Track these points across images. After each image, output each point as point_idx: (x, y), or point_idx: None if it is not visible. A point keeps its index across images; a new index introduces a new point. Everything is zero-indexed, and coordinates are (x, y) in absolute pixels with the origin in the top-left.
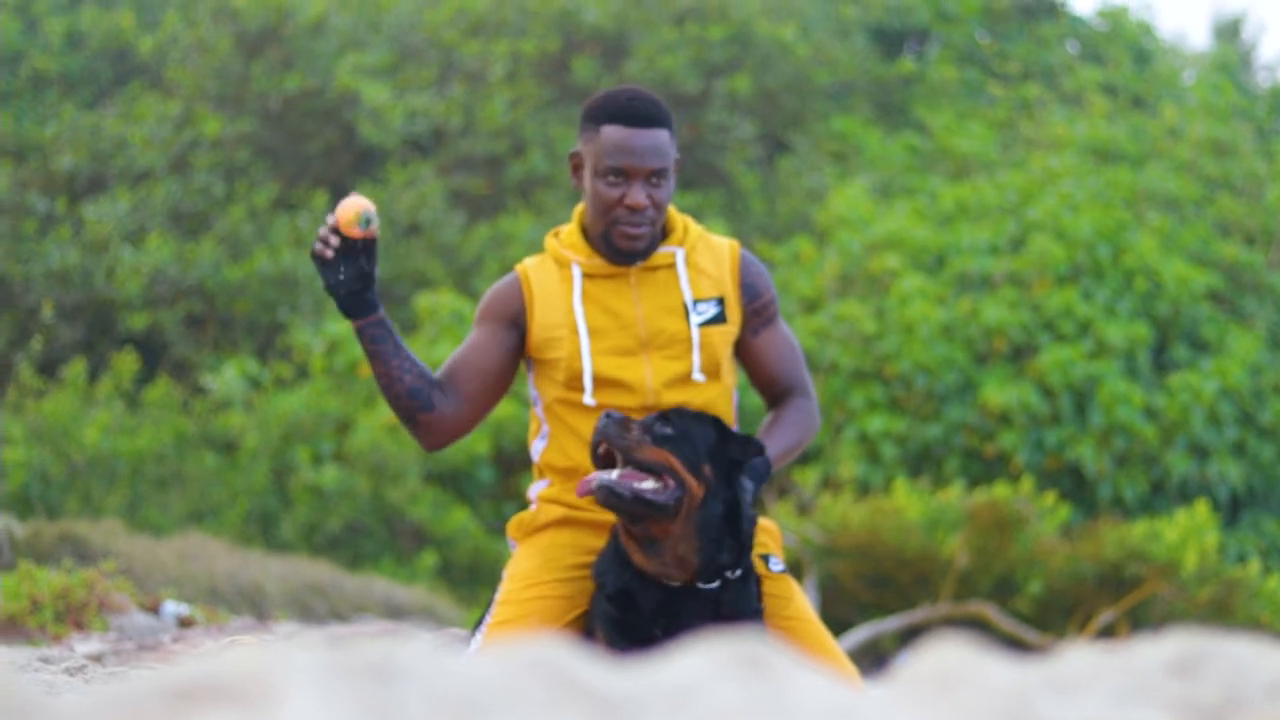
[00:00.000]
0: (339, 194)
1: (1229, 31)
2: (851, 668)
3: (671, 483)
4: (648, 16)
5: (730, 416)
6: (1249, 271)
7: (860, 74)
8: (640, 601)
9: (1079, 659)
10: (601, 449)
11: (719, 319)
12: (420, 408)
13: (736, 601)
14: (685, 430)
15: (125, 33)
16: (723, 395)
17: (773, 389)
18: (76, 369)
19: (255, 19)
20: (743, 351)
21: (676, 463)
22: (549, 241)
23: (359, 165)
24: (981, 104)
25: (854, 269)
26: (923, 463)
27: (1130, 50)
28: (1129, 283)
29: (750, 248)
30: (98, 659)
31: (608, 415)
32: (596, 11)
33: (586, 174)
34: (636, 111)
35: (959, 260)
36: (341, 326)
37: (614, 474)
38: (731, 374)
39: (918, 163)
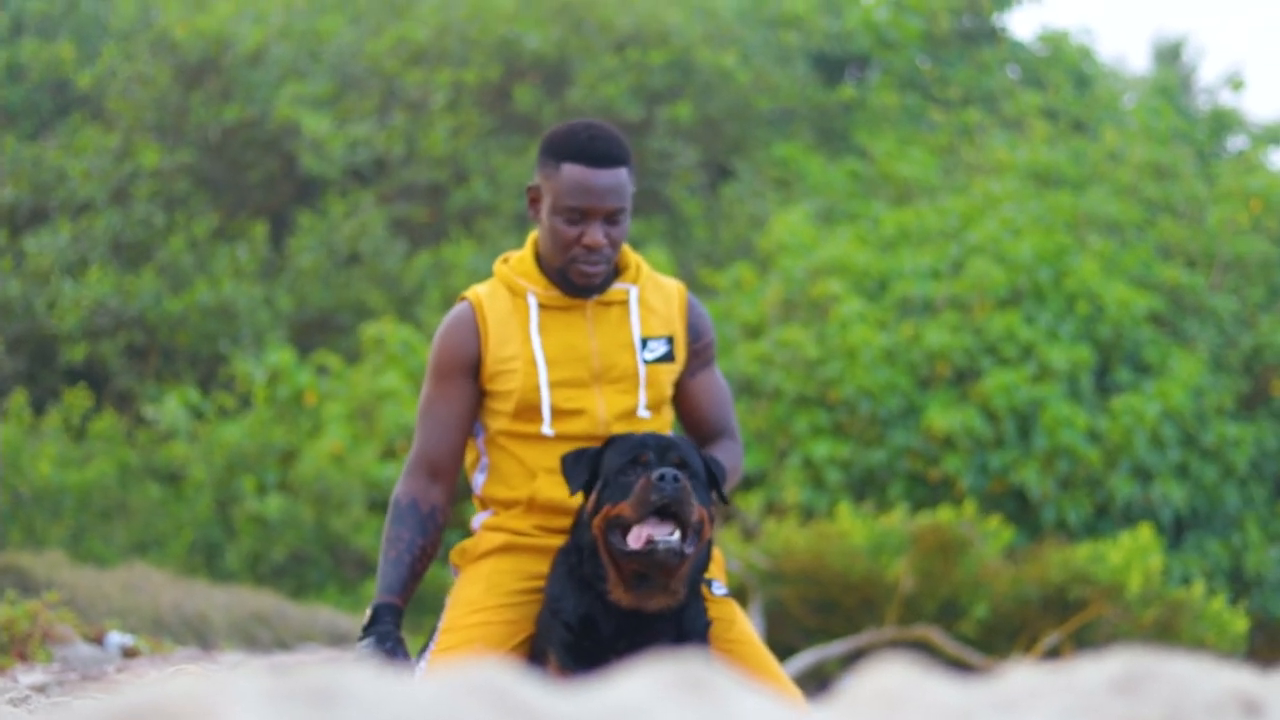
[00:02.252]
0: (279, 224)
1: (1169, 55)
2: (795, 690)
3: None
4: (588, 44)
5: None
6: (1191, 294)
7: (801, 100)
8: (602, 627)
9: (1022, 678)
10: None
11: (667, 357)
12: (439, 534)
13: (695, 619)
14: (696, 470)
15: (65, 65)
16: (663, 430)
17: (702, 430)
18: (19, 400)
19: (194, 50)
20: (679, 392)
21: (706, 515)
22: (500, 268)
23: (299, 195)
24: (922, 129)
25: (796, 294)
26: (867, 487)
27: (1070, 74)
28: (1071, 306)
29: (692, 275)
30: (41, 690)
31: (672, 478)
32: (537, 39)
33: (544, 209)
34: (597, 151)
35: (901, 285)
36: (282, 356)
37: (673, 535)
38: (670, 410)
39: (859, 188)
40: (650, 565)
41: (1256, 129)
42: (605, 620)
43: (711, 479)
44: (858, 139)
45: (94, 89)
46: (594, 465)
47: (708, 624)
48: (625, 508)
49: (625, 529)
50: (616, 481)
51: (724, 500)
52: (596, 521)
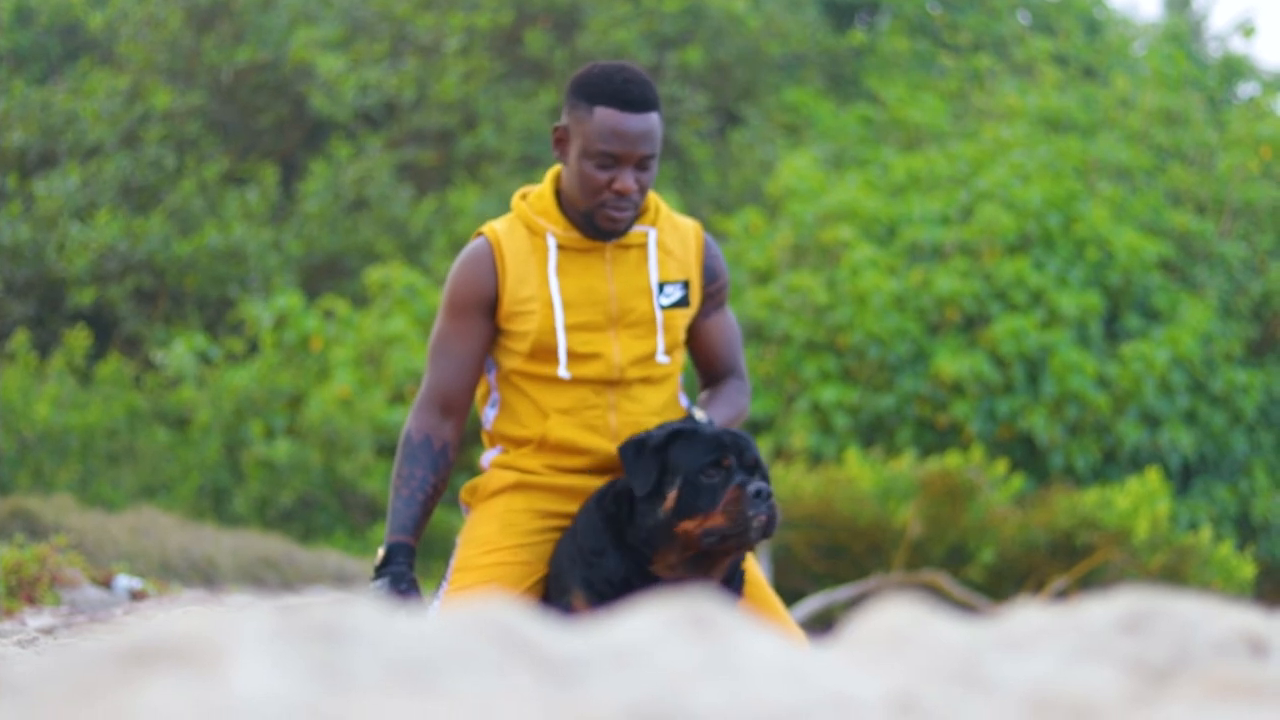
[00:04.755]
0: (289, 168)
1: (1180, 1)
2: (799, 631)
3: None
4: None
5: (678, 389)
6: (1200, 241)
7: (812, 46)
8: (636, 592)
9: (1029, 618)
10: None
11: (683, 302)
12: (449, 471)
13: (732, 579)
14: (765, 470)
15: (75, 8)
16: (677, 371)
17: (713, 369)
18: (20, 340)
19: None
20: (691, 331)
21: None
22: (518, 205)
23: (309, 139)
24: (933, 75)
25: (806, 240)
26: (875, 433)
27: (1081, 20)
28: (1080, 252)
29: (702, 219)
30: (49, 632)
31: (767, 495)
32: None
33: (573, 151)
34: (632, 96)
35: (910, 231)
36: (290, 300)
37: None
38: (683, 352)
39: (869, 134)
40: (742, 544)
41: (1267, 75)
42: (642, 586)
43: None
44: (868, 84)
45: (104, 32)
46: (662, 460)
47: (742, 574)
48: (719, 519)
49: (719, 536)
50: (699, 485)
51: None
52: (690, 529)
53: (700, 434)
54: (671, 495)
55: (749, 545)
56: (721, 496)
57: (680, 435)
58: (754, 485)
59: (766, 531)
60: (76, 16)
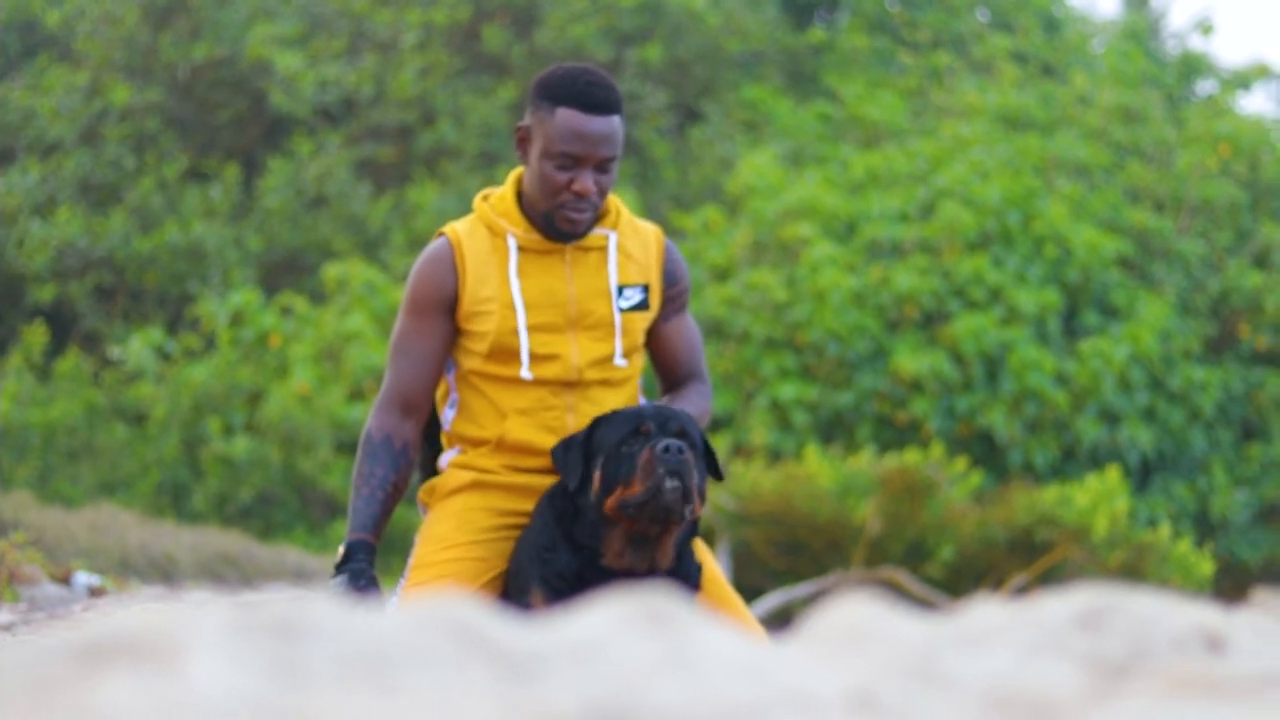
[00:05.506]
0: (249, 165)
1: None
2: (758, 627)
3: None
4: None
5: (637, 392)
6: (1158, 238)
7: (771, 43)
8: (594, 585)
9: (987, 614)
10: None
11: (642, 306)
12: (410, 470)
13: (687, 571)
14: (695, 441)
15: (33, 4)
16: (635, 375)
17: (674, 373)
18: None
19: None
20: (651, 335)
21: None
22: (480, 206)
23: (268, 135)
24: (892, 72)
25: (765, 237)
26: (834, 429)
27: (1040, 18)
28: (1039, 249)
29: (661, 217)
30: (8, 629)
31: (677, 450)
32: None
33: (534, 151)
34: (595, 98)
35: (870, 228)
36: (246, 297)
37: (677, 485)
38: (643, 356)
39: (829, 131)
40: (657, 512)
41: (1225, 73)
42: (596, 581)
43: (708, 451)
44: (827, 82)
45: (62, 29)
46: (586, 449)
47: (699, 568)
48: (636, 487)
49: (635, 505)
50: (619, 454)
51: (718, 477)
52: (610, 504)
53: (622, 411)
54: (596, 476)
55: (668, 513)
56: (638, 464)
57: (601, 420)
58: (662, 443)
59: (685, 498)
60: (34, 13)
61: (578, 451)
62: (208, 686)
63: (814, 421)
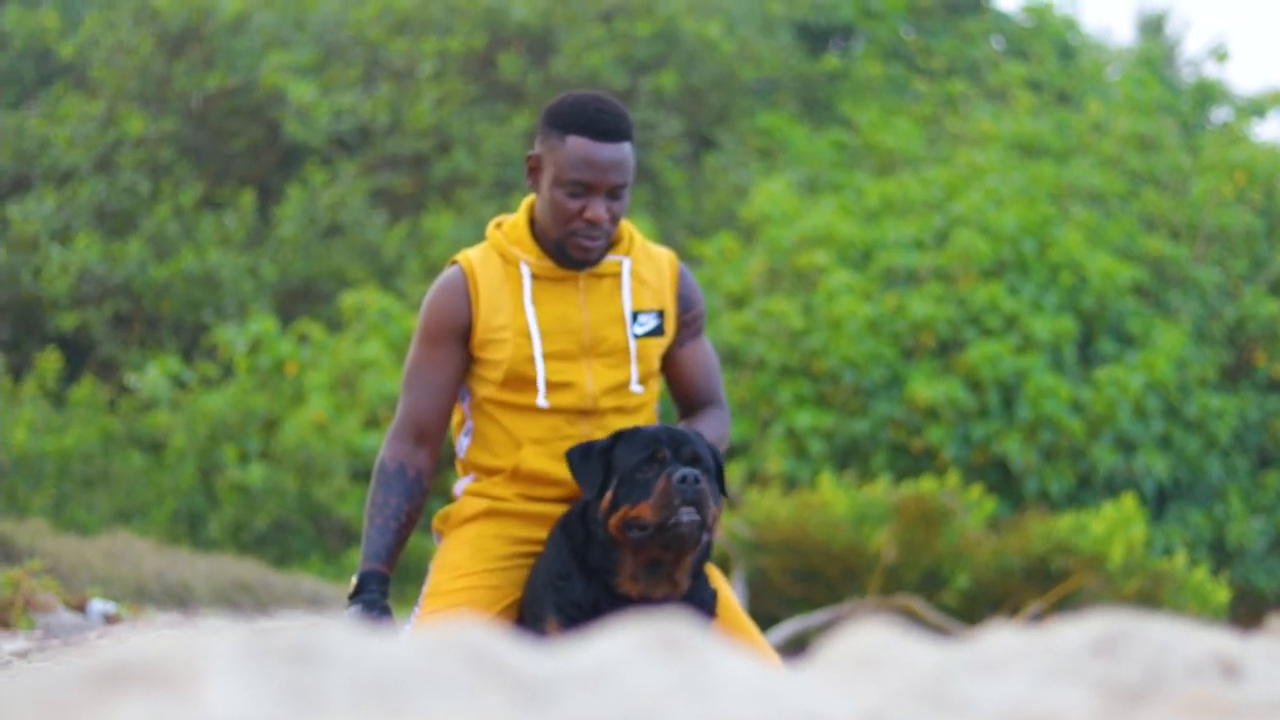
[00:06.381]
0: (263, 193)
1: (1153, 27)
2: (774, 654)
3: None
4: (574, 13)
5: (653, 419)
6: (1174, 265)
7: (786, 70)
8: (608, 614)
9: (1001, 640)
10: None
11: (657, 331)
12: (424, 499)
13: (702, 598)
14: (708, 465)
15: (48, 33)
16: (652, 401)
17: (691, 399)
18: None
19: (176, 18)
20: (667, 360)
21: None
22: (493, 234)
23: (283, 164)
24: (907, 100)
25: (781, 265)
26: (850, 457)
27: (1055, 46)
28: (1054, 277)
29: (676, 244)
30: (24, 656)
31: (693, 479)
32: (523, 8)
33: (545, 180)
34: (605, 125)
35: (885, 255)
36: (264, 325)
37: (695, 515)
38: (659, 382)
39: (844, 159)
40: (671, 540)
41: (1240, 101)
42: (611, 608)
43: (719, 470)
44: (842, 109)
45: (77, 57)
46: (606, 462)
47: (714, 594)
48: (645, 509)
49: (644, 528)
50: (633, 480)
51: (724, 494)
52: (614, 521)
53: (640, 432)
54: (608, 495)
55: (683, 542)
56: (653, 490)
57: (623, 436)
58: (680, 472)
59: (703, 526)
60: (50, 41)
61: (597, 461)
62: (222, 712)
63: (829, 449)
